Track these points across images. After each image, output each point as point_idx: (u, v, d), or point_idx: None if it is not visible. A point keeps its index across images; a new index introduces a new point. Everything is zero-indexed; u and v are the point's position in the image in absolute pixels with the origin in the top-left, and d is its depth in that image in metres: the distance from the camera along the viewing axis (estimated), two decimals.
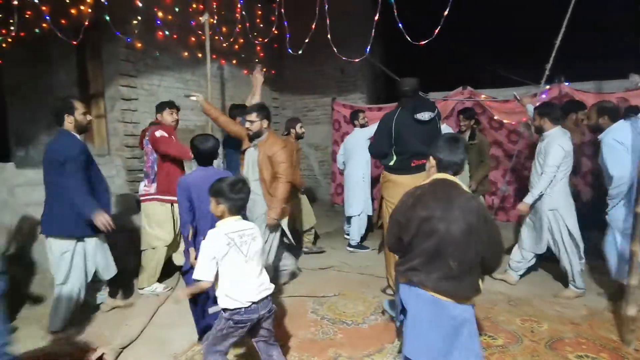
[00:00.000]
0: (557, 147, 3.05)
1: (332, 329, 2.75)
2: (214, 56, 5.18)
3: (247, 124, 3.15)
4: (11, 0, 3.93)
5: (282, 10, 4.51)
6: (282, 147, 3.18)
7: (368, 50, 4.25)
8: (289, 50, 4.69)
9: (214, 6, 5.08)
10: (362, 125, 4.65)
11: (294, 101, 6.98)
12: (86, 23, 4.14)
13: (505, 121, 4.99)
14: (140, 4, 4.32)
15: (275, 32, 5.10)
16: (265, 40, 5.45)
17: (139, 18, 4.40)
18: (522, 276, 3.54)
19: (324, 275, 3.85)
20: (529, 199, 3.21)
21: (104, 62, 4.79)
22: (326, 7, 4.06)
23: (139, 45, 4.66)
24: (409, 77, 3.10)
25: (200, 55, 5.20)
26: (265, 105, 3.31)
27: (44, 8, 3.98)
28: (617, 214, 2.93)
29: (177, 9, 4.95)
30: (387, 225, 1.87)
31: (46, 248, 2.75)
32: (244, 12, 5.25)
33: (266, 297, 1.95)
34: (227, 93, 6.04)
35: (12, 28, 4.23)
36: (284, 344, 2.46)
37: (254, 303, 1.86)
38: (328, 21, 4.15)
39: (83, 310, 2.92)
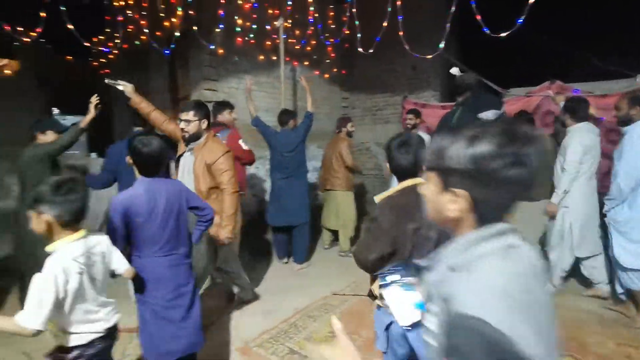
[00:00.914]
0: (575, 142, 3.00)
1: None
2: (287, 58, 5.41)
3: (182, 124, 2.60)
4: (117, 17, 4.53)
5: (354, 9, 4.53)
6: (224, 152, 2.64)
7: (442, 45, 4.09)
8: (360, 49, 4.69)
9: (288, 11, 5.29)
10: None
11: (363, 100, 6.97)
12: (177, 34, 4.60)
13: (602, 117, 4.42)
14: (223, 13, 4.68)
15: (347, 32, 5.15)
16: (336, 41, 5.52)
17: (221, 26, 4.76)
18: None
19: None
20: (555, 199, 3.11)
21: (191, 68, 5.26)
22: (398, 4, 3.99)
23: (221, 51, 5.04)
24: (486, 72, 2.91)
25: (274, 58, 5.45)
26: (203, 103, 2.77)
27: (143, 22, 4.51)
28: (617, 215, 2.79)
29: (254, 15, 5.26)
30: (366, 241, 1.64)
31: None
32: (316, 15, 5.38)
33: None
34: (299, 94, 6.25)
35: (117, 42, 4.87)
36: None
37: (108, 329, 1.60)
38: (400, 18, 4.07)
39: None
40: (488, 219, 0.79)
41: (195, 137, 2.63)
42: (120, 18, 4.58)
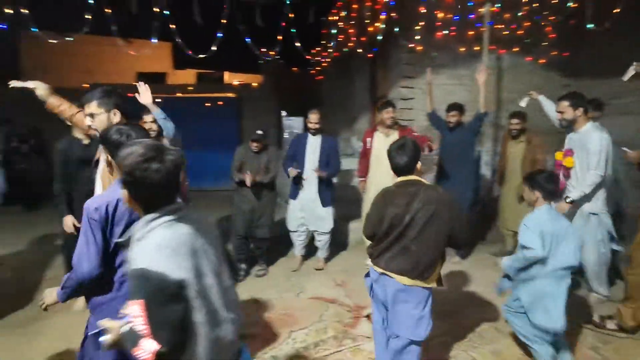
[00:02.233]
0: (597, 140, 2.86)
1: None
2: (492, 47, 4.95)
3: (87, 120, 2.02)
4: (331, 29, 5.22)
5: None
6: None
7: None
8: (589, 26, 3.84)
9: None
10: None
11: (592, 87, 5.63)
12: (379, 37, 4.93)
13: None
14: (423, 10, 4.71)
15: (574, 5, 4.30)
16: (558, 19, 4.68)
17: (422, 23, 4.79)
18: None
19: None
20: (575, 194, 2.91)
21: (390, 68, 5.53)
22: None
23: (420, 48, 5.08)
24: None
25: (477, 48, 5.09)
26: (111, 89, 2.12)
27: (351, 31, 5.03)
28: None
29: (458, 6, 5.04)
30: (366, 221, 2.14)
31: None
32: None
33: None
34: (504, 84, 5.63)
35: (329, 51, 5.62)
36: None
37: None
38: None
39: None
40: (152, 206, 1.19)
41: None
42: (334, 30, 5.27)
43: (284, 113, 4.66)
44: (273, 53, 4.61)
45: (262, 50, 5.17)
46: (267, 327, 2.80)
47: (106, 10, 3.48)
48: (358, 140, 6.40)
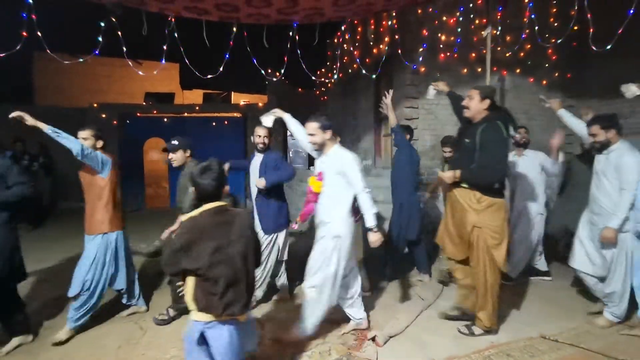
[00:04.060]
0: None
1: None
2: (495, 68, 5.01)
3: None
4: (336, 51, 5.32)
5: (585, 1, 3.80)
6: None
7: None
8: (593, 47, 3.88)
9: (498, 17, 4.92)
10: None
11: (597, 107, 5.64)
12: (383, 58, 5.01)
13: None
14: (426, 33, 4.80)
15: (575, 28, 4.36)
16: (559, 41, 4.75)
17: (424, 46, 4.88)
18: None
19: None
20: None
21: (394, 88, 5.60)
22: None
23: (423, 69, 5.15)
24: None
25: (479, 69, 5.16)
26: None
27: (356, 53, 5.13)
28: None
29: (459, 29, 5.14)
30: (166, 256, 1.77)
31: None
32: (532, 16, 4.80)
33: None
34: (507, 104, 5.66)
35: (335, 72, 5.71)
36: None
37: None
38: None
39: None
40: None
41: None
42: (338, 52, 5.39)
43: (289, 132, 4.67)
44: (279, 74, 4.69)
45: (268, 70, 5.28)
46: (270, 349, 2.74)
47: (117, 32, 3.59)
48: (363, 160, 6.42)
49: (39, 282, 4.10)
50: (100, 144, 2.99)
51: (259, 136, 3.43)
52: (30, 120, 2.55)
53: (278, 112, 3.12)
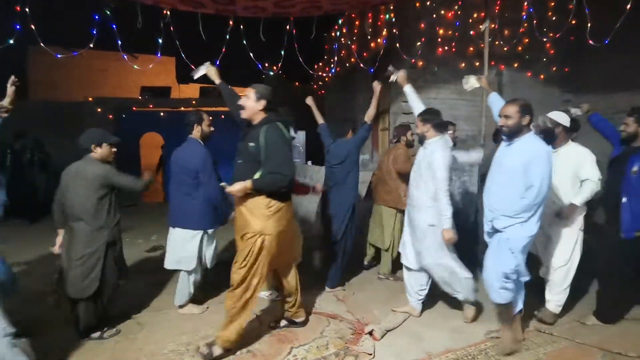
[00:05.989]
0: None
1: None
2: (493, 63, 5.00)
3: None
4: (334, 45, 5.29)
5: None
6: None
7: None
8: (590, 41, 3.88)
9: (496, 11, 4.89)
10: None
11: (595, 102, 5.65)
12: (381, 52, 4.98)
13: None
14: (424, 26, 4.77)
15: (573, 22, 4.35)
16: (557, 35, 4.74)
17: (422, 39, 4.85)
18: None
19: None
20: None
21: (391, 82, 5.58)
22: None
23: (421, 63, 5.13)
24: None
25: (477, 64, 5.14)
26: None
27: (353, 47, 5.10)
28: None
29: (457, 23, 5.11)
30: None
31: (170, 236, 3.14)
32: (530, 10, 4.78)
33: None
34: (505, 99, 5.66)
35: (332, 66, 5.68)
36: None
37: None
38: None
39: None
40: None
41: None
42: (335, 46, 5.35)
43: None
44: (276, 68, 4.66)
45: (265, 64, 5.23)
46: (268, 343, 2.75)
47: (112, 25, 3.54)
48: (361, 154, 6.41)
49: (33, 276, 4.08)
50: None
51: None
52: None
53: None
